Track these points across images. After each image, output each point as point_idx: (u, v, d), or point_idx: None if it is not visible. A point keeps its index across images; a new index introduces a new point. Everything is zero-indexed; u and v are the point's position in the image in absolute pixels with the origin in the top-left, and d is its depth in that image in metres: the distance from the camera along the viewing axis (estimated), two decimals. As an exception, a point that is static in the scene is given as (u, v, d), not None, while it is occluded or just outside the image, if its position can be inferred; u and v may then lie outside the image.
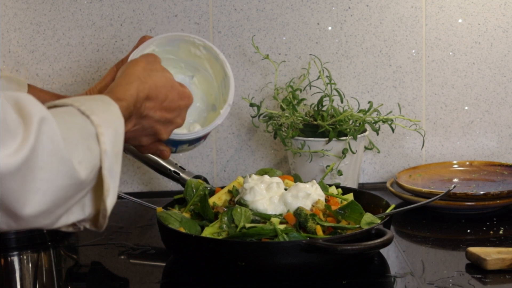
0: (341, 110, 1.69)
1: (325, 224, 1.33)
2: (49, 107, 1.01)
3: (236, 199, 1.40)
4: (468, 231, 1.52)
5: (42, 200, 0.92)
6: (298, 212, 1.35)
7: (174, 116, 1.23)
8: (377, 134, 1.70)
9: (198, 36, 1.44)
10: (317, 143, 1.65)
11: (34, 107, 0.92)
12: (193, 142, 1.38)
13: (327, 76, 1.72)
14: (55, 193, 0.93)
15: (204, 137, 1.39)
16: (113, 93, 1.13)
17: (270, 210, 1.36)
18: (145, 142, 1.24)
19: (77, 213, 1.01)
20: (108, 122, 1.03)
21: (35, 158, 0.90)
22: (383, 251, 1.39)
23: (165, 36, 1.39)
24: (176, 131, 1.30)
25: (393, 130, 1.67)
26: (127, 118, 1.13)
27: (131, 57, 1.36)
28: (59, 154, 0.93)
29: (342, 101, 1.71)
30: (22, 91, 1.41)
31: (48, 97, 1.44)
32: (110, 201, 1.02)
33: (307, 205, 1.37)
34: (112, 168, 1.01)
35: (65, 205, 0.97)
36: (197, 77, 1.45)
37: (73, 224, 1.04)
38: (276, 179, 1.41)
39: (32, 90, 1.44)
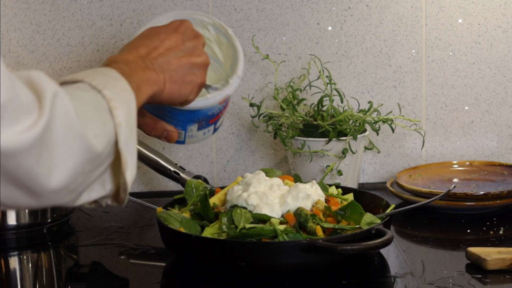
0: (341, 110, 1.69)
1: (325, 225, 1.33)
2: (61, 84, 1.00)
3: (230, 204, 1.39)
4: (468, 231, 1.52)
5: (61, 176, 0.91)
6: (298, 213, 1.35)
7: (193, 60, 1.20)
8: (377, 134, 1.70)
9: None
10: (317, 143, 1.65)
11: (47, 83, 0.91)
12: (205, 122, 1.32)
13: (327, 76, 1.72)
14: (73, 169, 0.92)
15: (215, 122, 1.33)
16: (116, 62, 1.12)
17: (270, 213, 1.36)
18: (185, 91, 1.19)
19: (98, 190, 1.01)
20: (119, 96, 1.03)
21: (50, 134, 0.89)
22: (383, 251, 1.39)
23: (173, 14, 1.36)
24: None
25: (393, 130, 1.68)
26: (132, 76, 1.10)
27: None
28: (73, 129, 0.92)
29: (342, 101, 1.71)
30: None
31: None
32: (129, 175, 1.02)
33: (307, 205, 1.37)
34: (128, 142, 1.01)
35: (85, 181, 0.96)
36: None
37: (95, 201, 1.04)
38: (276, 180, 1.41)
39: None
